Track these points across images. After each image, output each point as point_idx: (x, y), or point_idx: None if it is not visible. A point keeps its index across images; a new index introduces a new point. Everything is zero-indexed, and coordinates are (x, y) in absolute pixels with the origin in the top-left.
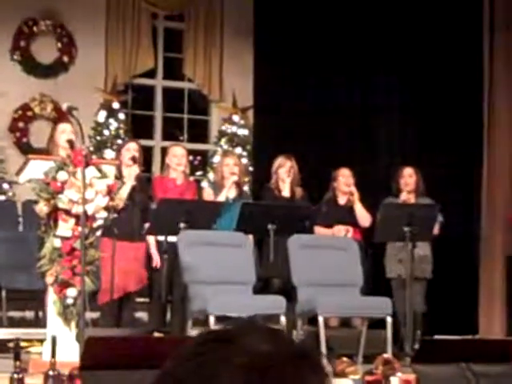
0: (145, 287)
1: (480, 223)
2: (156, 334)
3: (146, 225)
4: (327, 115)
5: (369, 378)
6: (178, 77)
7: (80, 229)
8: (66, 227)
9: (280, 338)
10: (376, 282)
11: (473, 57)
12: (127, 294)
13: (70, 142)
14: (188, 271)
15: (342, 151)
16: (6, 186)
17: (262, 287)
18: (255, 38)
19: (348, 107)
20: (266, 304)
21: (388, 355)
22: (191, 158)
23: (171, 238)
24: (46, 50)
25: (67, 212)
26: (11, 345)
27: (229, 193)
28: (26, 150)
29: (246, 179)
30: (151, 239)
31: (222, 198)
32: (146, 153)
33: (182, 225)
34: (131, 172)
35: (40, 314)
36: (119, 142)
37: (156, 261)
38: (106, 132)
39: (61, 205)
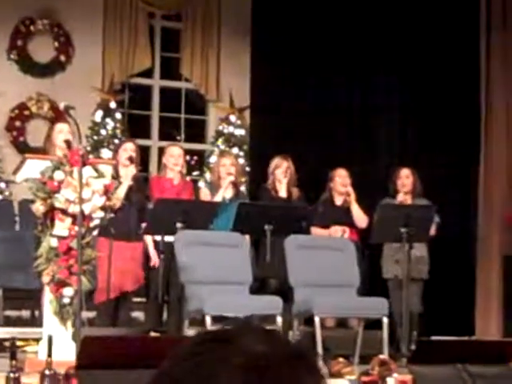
0: (141, 287)
1: (477, 223)
2: (152, 334)
3: (143, 225)
4: (325, 115)
5: (365, 378)
6: (175, 76)
7: (76, 228)
8: (62, 227)
9: (276, 339)
10: (372, 283)
11: (470, 56)
12: (124, 293)
13: (68, 142)
14: (185, 271)
15: (339, 151)
16: (2, 185)
17: (259, 287)
18: (252, 37)
19: (346, 107)
20: (262, 304)
21: (384, 356)
22: (188, 157)
23: (168, 238)
24: (43, 50)
25: (64, 211)
26: (7, 344)
27: (225, 193)
28: (23, 149)
29: (243, 179)
30: (149, 239)
31: (218, 198)
32: (143, 152)
33: (178, 225)
34: (128, 172)
35: (36, 313)
36: (116, 141)
37: (154, 260)
38: (102, 131)
39: (57, 204)
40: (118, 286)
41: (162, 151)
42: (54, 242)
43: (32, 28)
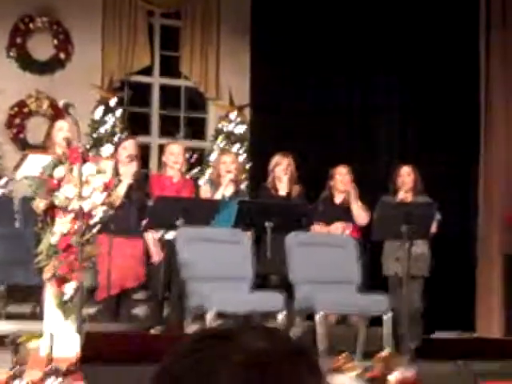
0: (142, 284)
1: (477, 222)
2: (153, 331)
3: (144, 222)
4: (325, 114)
5: (367, 375)
6: (175, 74)
7: (77, 225)
8: (62, 224)
9: (277, 336)
10: (373, 280)
11: (469, 55)
12: (125, 290)
13: (67, 140)
14: (186, 267)
15: (339, 150)
16: (2, 182)
17: (260, 284)
18: (252, 35)
19: (346, 105)
20: (263, 300)
21: (386, 353)
22: (188, 155)
23: (169, 235)
24: (42, 47)
25: (64, 208)
26: (9, 339)
27: (225, 191)
28: (23, 146)
29: (243, 177)
30: (149, 236)
31: (218, 195)
32: (143, 150)
33: (178, 222)
34: (128, 170)
35: (38, 308)
36: (116, 139)
37: (156, 257)
38: (102, 129)
39: (57, 201)
40: (119, 282)
41: (161, 148)
42: (54, 239)
43: (31, 25)
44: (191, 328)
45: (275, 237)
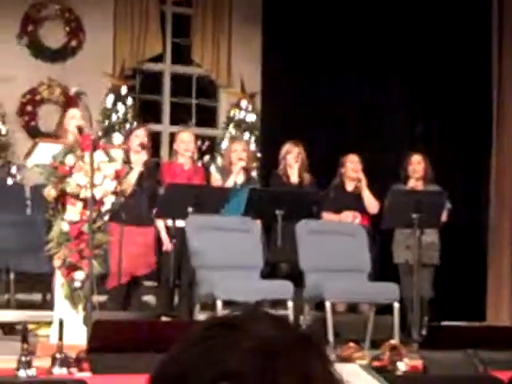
0: (153, 271)
1: (488, 211)
2: (163, 318)
3: (154, 210)
4: (336, 101)
5: (376, 363)
6: (186, 62)
7: (88, 213)
8: (73, 211)
9: (285, 324)
10: (383, 268)
11: (482, 52)
12: (135, 278)
13: (80, 128)
14: (196, 256)
15: (351, 137)
16: (14, 169)
17: (270, 272)
18: (263, 23)
19: (357, 94)
20: (273, 289)
21: (395, 341)
22: (199, 143)
23: (179, 223)
24: (53, 35)
25: (75, 196)
26: (19, 327)
27: (237, 178)
28: (35, 133)
29: (254, 165)
30: (161, 224)
31: (229, 183)
32: (154, 138)
33: (190, 209)
34: (139, 158)
35: (48, 296)
36: (127, 126)
37: (167, 245)
38: (114, 117)
39: (69, 189)
40: (130, 270)
41: (173, 136)
42: (65, 227)
43: (43, 13)
44: (201, 316)
45: (285, 225)
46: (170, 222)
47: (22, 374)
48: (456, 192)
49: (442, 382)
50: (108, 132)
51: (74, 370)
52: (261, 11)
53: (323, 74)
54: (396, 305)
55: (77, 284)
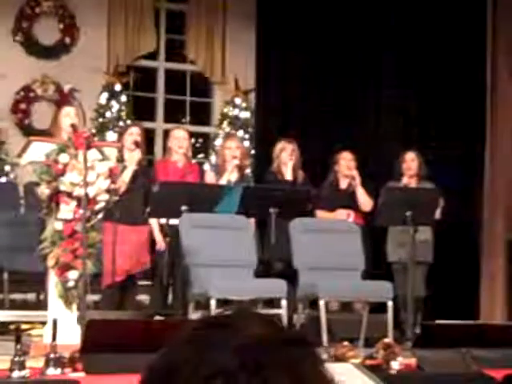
0: (147, 270)
1: (482, 209)
2: (157, 317)
3: (147, 209)
4: (330, 98)
5: (370, 362)
6: (180, 59)
7: (81, 211)
8: (67, 210)
9: (276, 324)
10: (377, 267)
11: (475, 39)
12: (129, 277)
13: (74, 126)
14: (189, 254)
15: (344, 134)
16: (7, 167)
17: (264, 271)
18: (258, 20)
19: (351, 91)
20: (267, 287)
21: (389, 339)
22: (193, 140)
23: (173, 221)
24: (48, 31)
25: (69, 194)
26: (12, 327)
27: (230, 176)
28: (28, 131)
29: (248, 162)
30: (154, 223)
31: (223, 181)
32: (148, 135)
33: (183, 208)
34: (133, 156)
35: (41, 296)
36: (121, 124)
37: (160, 244)
38: (107, 114)
39: (62, 187)
40: (124, 269)
41: (167, 134)
42: (58, 226)
43: (37, 9)
44: (195, 315)
45: (279, 223)
46: (163, 220)
47: (15, 374)
48: (449, 187)
49: (436, 380)
50: (102, 129)
51: (67, 370)
52: (255, 8)
53: (317, 72)
54: (390, 303)
55: (70, 283)
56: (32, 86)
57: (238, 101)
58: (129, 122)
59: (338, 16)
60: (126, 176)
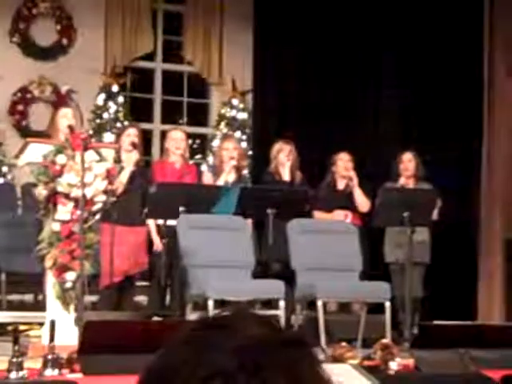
0: (145, 271)
1: (479, 209)
2: (155, 318)
3: (145, 210)
4: (327, 99)
5: (367, 362)
6: (178, 60)
7: (79, 212)
8: (64, 211)
9: (272, 325)
10: (375, 267)
11: (472, 36)
12: (127, 278)
13: (71, 128)
14: (187, 255)
15: (342, 135)
16: (5, 168)
17: (262, 272)
18: (255, 21)
19: (349, 92)
20: (264, 288)
21: (387, 340)
22: (190, 141)
23: (171, 222)
24: (45, 33)
25: (66, 195)
26: (10, 328)
27: (228, 177)
28: (26, 132)
29: (245, 163)
30: (151, 224)
31: (221, 182)
32: (145, 136)
33: (181, 208)
34: (131, 157)
35: (39, 297)
36: (118, 125)
37: (157, 245)
38: (105, 115)
39: (60, 188)
40: (122, 270)
41: (164, 135)
42: (56, 226)
43: (34, 11)
44: (193, 316)
45: (277, 223)
46: (160, 221)
47: (13, 375)
48: (446, 187)
49: (434, 381)
50: (99, 131)
51: (65, 371)
52: (252, 9)
53: (315, 73)
54: (387, 304)
55: (68, 284)
56: (29, 87)
57: (235, 102)
58: (126, 123)
59: (336, 16)
60: (124, 177)
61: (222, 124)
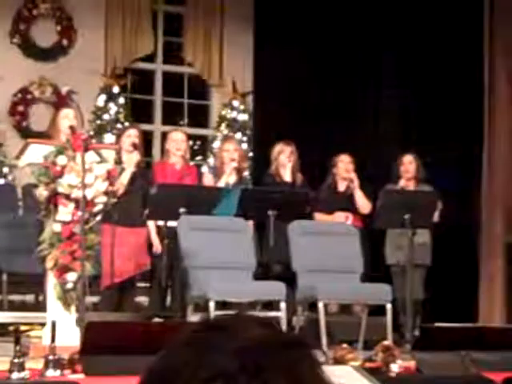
0: (146, 272)
1: (480, 211)
2: (156, 319)
3: (146, 211)
4: (328, 101)
5: (369, 364)
6: (178, 61)
7: (80, 213)
8: (65, 212)
9: (273, 327)
10: (376, 269)
11: (472, 38)
12: (128, 278)
13: (72, 128)
14: (188, 256)
15: (343, 137)
16: (5, 169)
17: (263, 273)
18: (255, 22)
19: (350, 93)
20: (265, 290)
21: (388, 342)
22: (191, 143)
23: (172, 223)
24: (45, 34)
25: (67, 196)
26: (12, 329)
27: (229, 179)
28: (26, 133)
29: (246, 165)
30: (151, 225)
31: (221, 183)
32: (146, 137)
33: (181, 210)
34: (132, 158)
35: (40, 297)
36: (119, 126)
37: (156, 247)
38: (105, 116)
39: (60, 189)
40: (123, 271)
41: (164, 136)
42: (57, 228)
43: (35, 12)
44: (194, 317)
45: (278, 225)
46: (161, 223)
47: (14, 375)
48: (447, 190)
49: (435, 383)
50: (100, 131)
51: (66, 371)
52: (252, 10)
53: (316, 74)
54: (388, 306)
55: (69, 285)
56: (29, 88)
57: (235, 103)
58: (127, 124)
59: (336, 17)
60: (125, 178)
61: (223, 125)
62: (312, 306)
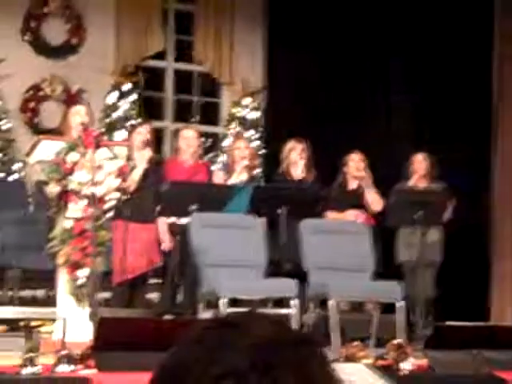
0: (158, 268)
1: (491, 210)
2: (167, 316)
3: (158, 208)
4: (339, 98)
5: (381, 362)
6: (189, 59)
7: (90, 210)
8: (76, 208)
9: (283, 325)
10: (387, 267)
11: (482, 42)
12: (140, 275)
13: (84, 125)
14: (199, 253)
15: (354, 135)
16: (16, 166)
17: (274, 270)
18: (266, 20)
19: (361, 91)
20: (277, 287)
21: (400, 340)
22: (202, 140)
23: (183, 220)
24: (56, 31)
25: (77, 193)
26: (23, 324)
27: (240, 177)
28: (37, 130)
29: (257, 163)
30: (162, 222)
31: (233, 181)
32: (157, 135)
33: (193, 207)
34: (143, 155)
35: (51, 293)
36: (129, 124)
37: (165, 245)
38: (115, 114)
39: (71, 186)
40: (135, 267)
41: (175, 133)
42: (68, 224)
43: (45, 9)
44: (205, 314)
45: (290, 222)
46: (172, 220)
47: (26, 370)
48: (459, 188)
49: (447, 381)
50: (110, 129)
51: (79, 367)
52: (263, 8)
53: (326, 72)
54: (399, 304)
55: (81, 281)
56: (41, 85)
57: (246, 101)
58: (138, 120)
59: (348, 16)
60: (136, 175)
61: (233, 123)
62: (323, 303)
